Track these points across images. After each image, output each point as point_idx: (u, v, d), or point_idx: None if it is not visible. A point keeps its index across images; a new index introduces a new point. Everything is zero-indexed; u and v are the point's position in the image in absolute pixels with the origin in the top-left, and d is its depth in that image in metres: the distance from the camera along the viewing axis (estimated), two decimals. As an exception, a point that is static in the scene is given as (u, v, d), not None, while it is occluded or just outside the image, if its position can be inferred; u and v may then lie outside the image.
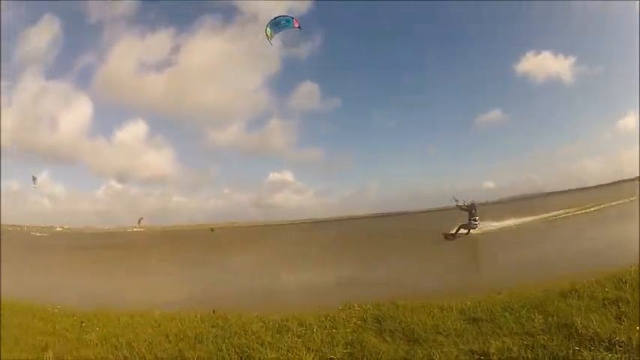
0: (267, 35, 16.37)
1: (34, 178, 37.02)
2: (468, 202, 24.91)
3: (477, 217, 24.77)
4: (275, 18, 16.62)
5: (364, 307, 8.34)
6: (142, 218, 40.65)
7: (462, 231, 24.75)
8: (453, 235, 24.95)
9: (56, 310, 9.65)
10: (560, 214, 29.30)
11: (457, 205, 24.84)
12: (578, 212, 29.74)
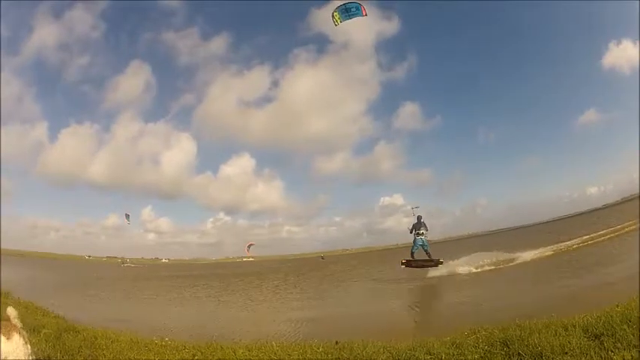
0: (334, 20, 15.29)
1: (127, 216, 41.14)
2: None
3: (422, 231, 22.25)
4: (344, 4, 15.70)
5: (490, 330, 8.04)
6: (252, 244, 41.66)
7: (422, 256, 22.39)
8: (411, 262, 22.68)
9: (164, 343, 9.07)
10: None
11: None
12: None
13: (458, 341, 7.60)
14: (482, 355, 6.96)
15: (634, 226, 24.77)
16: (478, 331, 8.16)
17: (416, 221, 22.94)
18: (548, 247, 24.30)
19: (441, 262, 22.34)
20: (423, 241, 22.48)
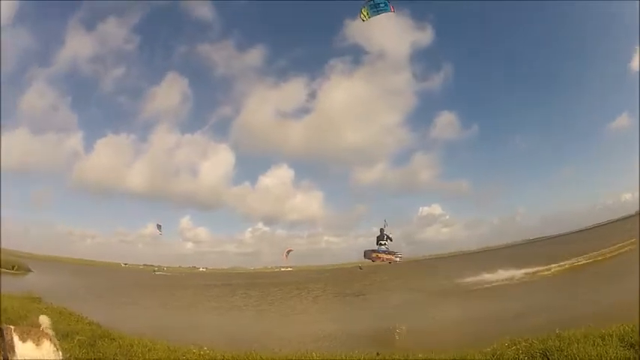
0: (362, 15, 14.97)
1: (159, 226, 40.47)
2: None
3: (384, 242, 21.48)
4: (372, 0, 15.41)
5: (530, 341, 7.90)
6: (290, 249, 40.75)
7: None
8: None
9: (202, 352, 8.69)
10: None
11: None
12: None
13: (498, 352, 7.53)
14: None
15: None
16: (518, 342, 7.99)
17: (379, 233, 22.84)
18: (583, 256, 23.79)
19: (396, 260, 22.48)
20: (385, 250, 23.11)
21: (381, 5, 15.86)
